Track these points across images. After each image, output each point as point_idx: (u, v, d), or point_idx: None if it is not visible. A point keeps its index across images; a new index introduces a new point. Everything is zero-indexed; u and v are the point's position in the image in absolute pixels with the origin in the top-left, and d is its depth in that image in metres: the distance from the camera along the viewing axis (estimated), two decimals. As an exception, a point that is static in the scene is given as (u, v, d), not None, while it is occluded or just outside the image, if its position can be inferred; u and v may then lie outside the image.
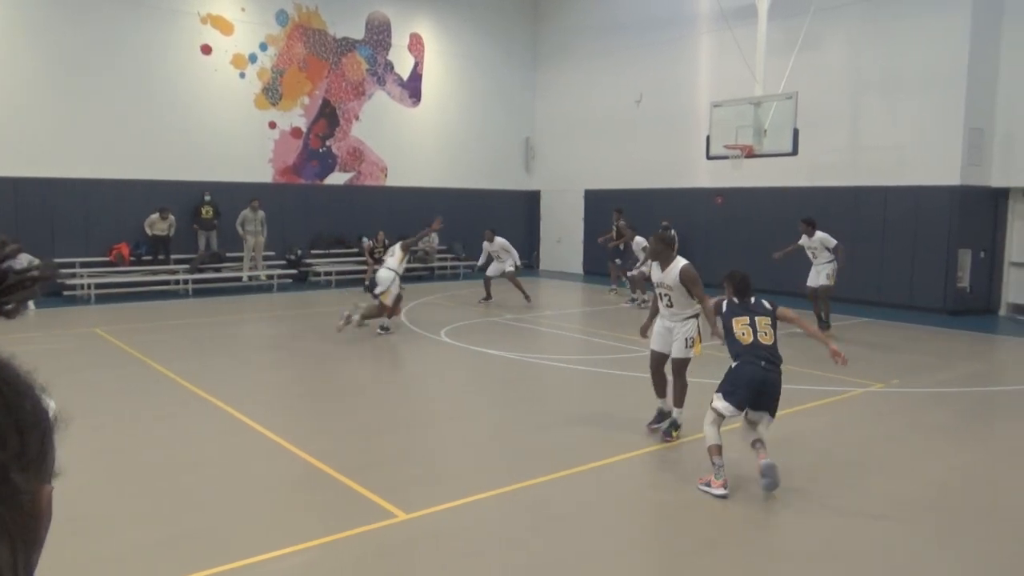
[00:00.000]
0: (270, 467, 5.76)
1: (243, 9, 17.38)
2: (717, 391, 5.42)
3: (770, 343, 5.46)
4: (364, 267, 17.40)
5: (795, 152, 13.35)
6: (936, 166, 13.95)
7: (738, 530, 4.67)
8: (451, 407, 7.80)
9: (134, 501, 4.98)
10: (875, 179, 14.87)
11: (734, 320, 5.62)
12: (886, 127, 14.68)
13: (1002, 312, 14.44)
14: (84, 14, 15.31)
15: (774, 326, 5.58)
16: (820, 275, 11.70)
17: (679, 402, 6.39)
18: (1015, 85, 13.72)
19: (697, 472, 5.42)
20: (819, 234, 11.76)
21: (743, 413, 5.36)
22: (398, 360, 10.15)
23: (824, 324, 11.46)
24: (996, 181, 14.12)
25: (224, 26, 17.14)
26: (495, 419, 7.31)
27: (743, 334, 5.51)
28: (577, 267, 21.58)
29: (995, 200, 14.28)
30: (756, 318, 5.56)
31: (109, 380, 8.43)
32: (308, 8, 18.43)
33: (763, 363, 5.31)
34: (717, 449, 5.22)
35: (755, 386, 5.26)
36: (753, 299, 5.75)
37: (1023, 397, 8.32)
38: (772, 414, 5.36)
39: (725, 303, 5.80)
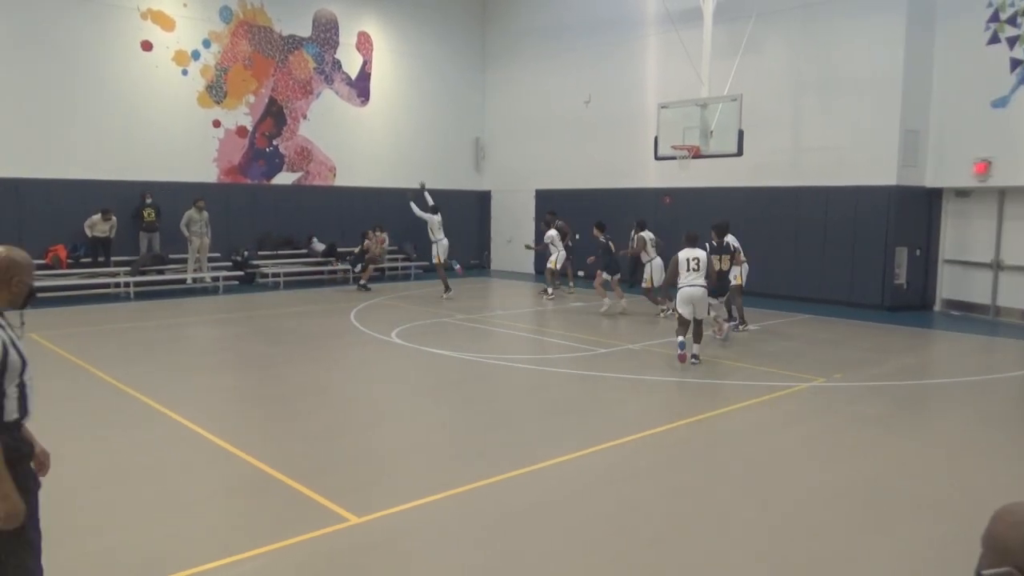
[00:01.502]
0: (217, 473, 5.64)
1: (185, 5, 16.96)
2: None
3: (727, 268, 10.65)
4: (319, 267, 17.15)
5: (740, 153, 13.61)
6: (874, 167, 14.41)
7: (686, 525, 4.76)
8: (403, 408, 7.75)
9: (76, 511, 4.82)
10: (815, 179, 15.29)
11: (712, 257, 9.87)
12: (825, 129, 15.10)
13: (937, 307, 15.01)
14: (18, 7, 14.75)
15: (732, 260, 10.74)
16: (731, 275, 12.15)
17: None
18: (947, 88, 14.26)
19: (653, 467, 5.50)
20: (727, 238, 12.22)
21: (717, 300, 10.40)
22: (349, 362, 10.04)
23: (738, 321, 12.15)
24: (930, 181, 14.66)
25: (165, 22, 16.70)
26: (448, 419, 7.29)
27: (719, 266, 10.32)
28: (528, 267, 21.66)
29: (929, 199, 14.82)
30: (722, 256, 10.51)
31: (46, 387, 8.10)
32: (253, 5, 18.08)
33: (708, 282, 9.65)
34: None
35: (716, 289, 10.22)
36: (726, 241, 10.73)
37: (957, 389, 8.66)
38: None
39: (709, 245, 10.33)
